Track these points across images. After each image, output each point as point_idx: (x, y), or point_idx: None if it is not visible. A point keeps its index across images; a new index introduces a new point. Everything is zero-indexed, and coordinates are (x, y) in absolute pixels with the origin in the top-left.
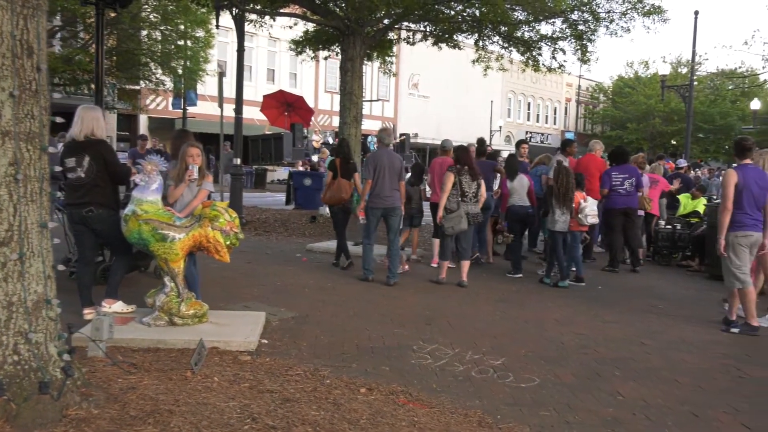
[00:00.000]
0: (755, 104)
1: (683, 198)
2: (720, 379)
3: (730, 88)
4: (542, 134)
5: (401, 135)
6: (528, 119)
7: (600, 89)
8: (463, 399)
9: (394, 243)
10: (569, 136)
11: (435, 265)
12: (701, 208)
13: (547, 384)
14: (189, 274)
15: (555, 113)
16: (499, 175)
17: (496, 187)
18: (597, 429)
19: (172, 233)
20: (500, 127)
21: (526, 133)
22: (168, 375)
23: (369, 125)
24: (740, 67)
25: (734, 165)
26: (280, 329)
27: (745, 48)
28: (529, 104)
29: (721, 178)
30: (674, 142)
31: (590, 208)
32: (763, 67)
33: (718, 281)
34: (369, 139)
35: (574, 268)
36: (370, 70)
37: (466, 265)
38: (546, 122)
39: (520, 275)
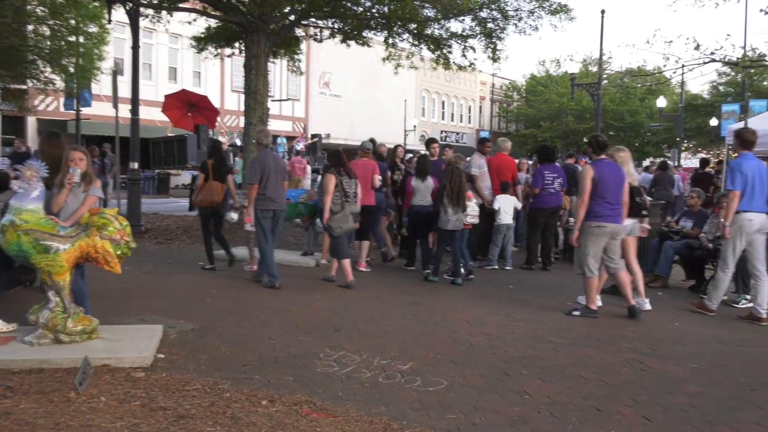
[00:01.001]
0: (661, 102)
1: None
2: (623, 373)
3: (638, 86)
4: (457, 133)
5: (313, 136)
6: (443, 118)
7: (514, 87)
8: (368, 406)
9: (271, 243)
10: (484, 134)
11: (363, 269)
12: None
13: (454, 386)
14: (76, 287)
15: (470, 112)
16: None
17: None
18: (503, 429)
19: (56, 244)
20: (414, 126)
21: (441, 132)
22: (49, 397)
23: (279, 126)
24: (644, 65)
25: (590, 160)
26: (178, 342)
27: (648, 47)
28: (443, 103)
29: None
30: (587, 140)
31: (471, 208)
32: (664, 66)
33: None
34: (279, 140)
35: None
36: (279, 68)
37: (347, 263)
38: (461, 121)
39: (436, 280)
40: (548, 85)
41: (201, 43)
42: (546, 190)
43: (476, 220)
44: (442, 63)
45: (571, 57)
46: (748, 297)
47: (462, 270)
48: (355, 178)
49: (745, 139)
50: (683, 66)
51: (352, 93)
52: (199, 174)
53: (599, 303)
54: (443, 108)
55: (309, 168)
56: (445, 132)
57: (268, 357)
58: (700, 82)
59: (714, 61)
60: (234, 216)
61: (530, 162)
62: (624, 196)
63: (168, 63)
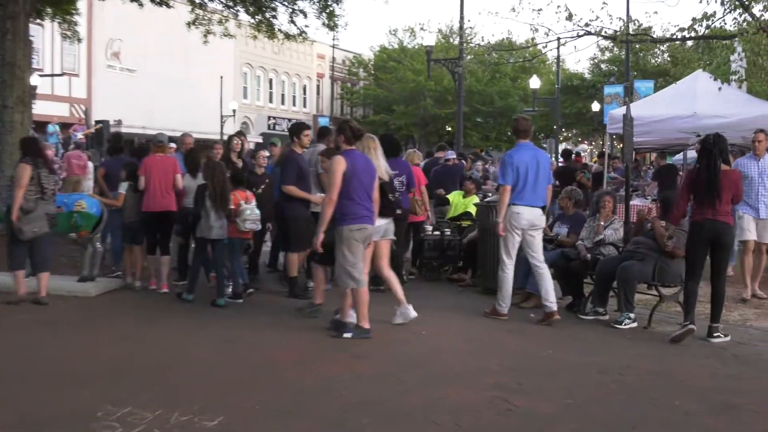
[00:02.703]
0: (534, 82)
1: (454, 196)
2: (484, 415)
3: (508, 62)
4: (289, 119)
5: (97, 123)
6: (270, 100)
7: (359, 63)
8: None
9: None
10: (324, 122)
11: (165, 290)
12: (473, 209)
13: None
14: None
15: (305, 93)
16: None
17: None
18: None
19: None
20: (234, 111)
21: (269, 118)
22: None
23: (51, 108)
24: (510, 37)
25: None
26: None
27: (513, 16)
28: (271, 81)
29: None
30: (450, 129)
31: (251, 211)
32: (533, 39)
33: (492, 295)
34: (50, 128)
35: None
36: (50, 33)
37: (45, 278)
38: (294, 104)
39: (191, 298)
40: (402, 60)
41: None
42: None
43: (257, 226)
44: (264, 31)
45: (423, 26)
46: (632, 316)
47: (232, 287)
48: (57, 174)
49: (517, 128)
50: (558, 39)
51: (151, 67)
52: None
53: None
54: (271, 87)
55: (91, 165)
56: (274, 118)
57: (29, 417)
58: (575, 59)
59: (589, 33)
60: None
61: None
62: (375, 193)
63: None
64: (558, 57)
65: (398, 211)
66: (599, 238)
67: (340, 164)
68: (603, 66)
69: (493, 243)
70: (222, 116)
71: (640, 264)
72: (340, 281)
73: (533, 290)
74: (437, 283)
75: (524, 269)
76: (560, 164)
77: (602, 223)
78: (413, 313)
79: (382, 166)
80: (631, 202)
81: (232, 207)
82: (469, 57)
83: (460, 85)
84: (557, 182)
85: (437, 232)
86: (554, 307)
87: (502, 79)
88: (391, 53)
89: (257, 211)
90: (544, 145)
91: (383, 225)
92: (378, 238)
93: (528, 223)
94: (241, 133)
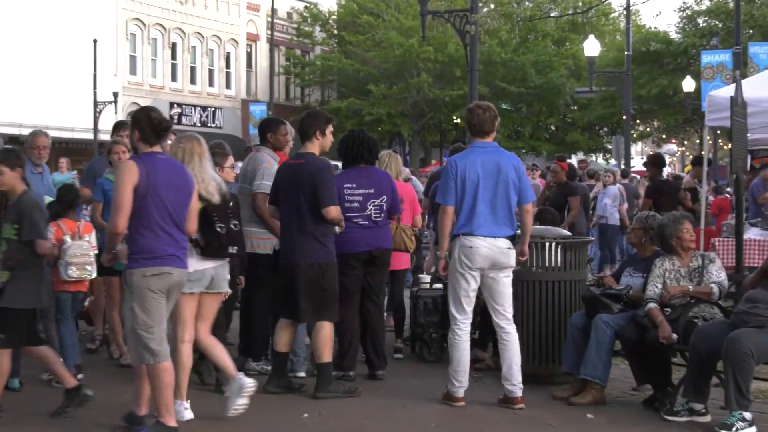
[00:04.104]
0: (591, 47)
1: None
2: None
3: (552, 15)
4: (204, 108)
5: None
6: (174, 78)
7: (314, 17)
8: None
9: None
10: (258, 111)
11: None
12: None
13: None
14: None
15: (228, 65)
16: None
17: None
18: None
19: None
20: (115, 95)
21: (172, 106)
22: None
23: None
24: None
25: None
26: None
27: None
28: (174, 47)
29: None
30: (458, 121)
31: (81, 251)
32: None
33: (534, 383)
34: None
35: None
36: None
37: None
38: (211, 84)
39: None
40: (382, 14)
41: None
42: (350, 219)
43: (89, 273)
44: None
45: None
46: (748, 416)
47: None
48: None
49: (470, 123)
50: None
51: None
52: None
53: None
54: (174, 58)
55: None
56: (180, 106)
57: None
58: (653, 10)
59: None
60: None
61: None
62: (192, 221)
63: None
64: (627, 7)
65: (231, 250)
66: (698, 291)
67: (128, 172)
68: (699, 21)
69: (529, 298)
70: (97, 103)
71: (759, 334)
72: (132, 354)
73: (590, 376)
74: (439, 366)
75: (575, 344)
76: (654, 178)
77: (690, 265)
78: (189, 415)
79: (211, 181)
80: (746, 236)
81: (55, 243)
82: (485, 9)
83: (474, 53)
84: (653, 206)
85: (438, 285)
86: (518, 391)
87: (540, 42)
88: (365, 2)
89: (91, 252)
90: (609, 146)
91: (209, 269)
92: (198, 290)
93: (487, 261)
94: None
